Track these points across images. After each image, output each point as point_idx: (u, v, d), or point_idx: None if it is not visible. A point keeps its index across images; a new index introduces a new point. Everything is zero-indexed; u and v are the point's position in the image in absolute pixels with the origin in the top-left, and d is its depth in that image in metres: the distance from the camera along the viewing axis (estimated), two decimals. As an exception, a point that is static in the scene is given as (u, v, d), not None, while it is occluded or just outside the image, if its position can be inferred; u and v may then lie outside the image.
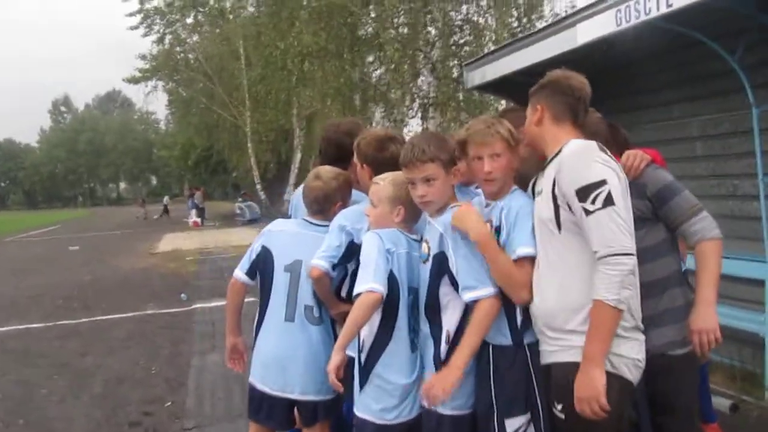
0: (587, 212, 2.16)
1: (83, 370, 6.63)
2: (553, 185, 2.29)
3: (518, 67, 5.81)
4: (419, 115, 14.20)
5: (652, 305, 2.22)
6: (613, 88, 6.04)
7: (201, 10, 30.08)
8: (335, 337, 3.03)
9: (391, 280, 2.54)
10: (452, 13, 11.63)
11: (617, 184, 2.20)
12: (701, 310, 2.49)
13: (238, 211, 33.05)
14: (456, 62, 11.68)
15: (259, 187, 30.88)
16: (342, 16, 11.57)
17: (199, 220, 31.30)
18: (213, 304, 10.10)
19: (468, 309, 2.47)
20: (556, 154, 2.38)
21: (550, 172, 2.37)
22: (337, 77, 11.79)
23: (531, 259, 2.40)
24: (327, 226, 3.01)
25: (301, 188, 3.50)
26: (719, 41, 4.47)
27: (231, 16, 29.37)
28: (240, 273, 3.15)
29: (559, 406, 2.24)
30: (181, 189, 53.60)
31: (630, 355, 2.21)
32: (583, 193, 2.17)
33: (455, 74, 12.06)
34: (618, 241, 2.12)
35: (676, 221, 2.59)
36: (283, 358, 2.97)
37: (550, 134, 2.44)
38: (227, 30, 28.79)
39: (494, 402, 2.44)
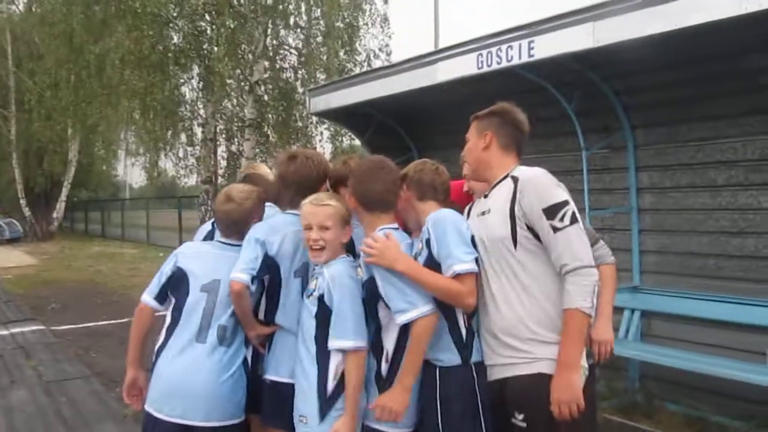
0: (555, 229, 2.36)
1: None
2: (512, 205, 2.46)
3: (368, 97, 6.06)
4: (224, 135, 13.94)
5: None
6: (455, 124, 6.55)
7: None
8: (245, 360, 2.92)
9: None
10: (271, 39, 11.69)
11: (573, 205, 2.43)
12: (603, 323, 2.80)
13: (-6, 229, 29.22)
14: (274, 86, 11.71)
15: (23, 202, 27.65)
16: (157, 24, 11.00)
17: (-60, 239, 27.12)
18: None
19: (405, 327, 2.52)
20: (504, 178, 2.58)
21: (500, 194, 2.55)
22: (161, 90, 11.15)
23: (470, 273, 2.51)
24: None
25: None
26: (560, 90, 5.10)
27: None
28: (148, 297, 2.91)
29: (520, 416, 2.38)
30: None
31: (583, 363, 2.42)
32: (551, 211, 2.38)
33: (267, 97, 12.09)
34: (586, 255, 2.36)
35: None
36: (188, 382, 2.75)
37: (496, 160, 2.64)
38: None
39: (440, 424, 2.48)
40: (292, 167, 2.92)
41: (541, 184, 2.46)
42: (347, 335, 2.51)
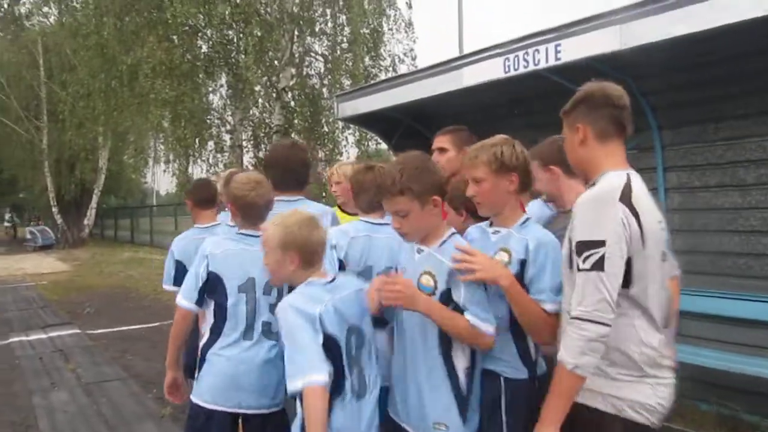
0: (578, 267, 2.13)
1: None
2: (571, 225, 2.25)
3: (395, 102, 6.15)
4: (251, 142, 14.14)
5: None
6: (483, 126, 6.63)
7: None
8: None
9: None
10: (297, 46, 11.86)
11: (617, 247, 2.09)
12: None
13: (28, 236, 29.94)
14: (300, 92, 11.88)
15: (55, 210, 28.26)
16: (187, 34, 11.31)
17: (-21, 245, 27.86)
18: (33, 337, 9.16)
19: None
20: (593, 184, 2.29)
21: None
22: (191, 98, 11.44)
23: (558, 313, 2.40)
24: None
25: None
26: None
27: (29, 24, 26.89)
28: (187, 302, 3.05)
29: None
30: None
31: (634, 397, 2.18)
32: (580, 248, 2.13)
33: (294, 103, 12.24)
34: (591, 307, 2.07)
35: None
36: (240, 375, 2.95)
37: (592, 155, 2.32)
38: (25, 38, 26.27)
39: None
40: (369, 176, 3.02)
41: (587, 214, 2.16)
42: (293, 376, 2.27)
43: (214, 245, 3.12)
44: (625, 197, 2.14)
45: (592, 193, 2.21)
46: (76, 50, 14.47)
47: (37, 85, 26.20)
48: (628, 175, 2.23)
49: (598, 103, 2.28)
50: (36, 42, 25.83)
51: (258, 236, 2.90)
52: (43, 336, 9.20)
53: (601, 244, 2.08)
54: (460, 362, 2.47)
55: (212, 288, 3.03)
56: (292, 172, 3.49)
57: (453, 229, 2.57)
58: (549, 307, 2.41)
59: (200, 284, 3.03)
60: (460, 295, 2.39)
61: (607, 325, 2.07)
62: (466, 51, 13.08)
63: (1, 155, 30.42)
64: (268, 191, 3.11)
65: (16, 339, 9.01)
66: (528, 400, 2.45)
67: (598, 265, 2.08)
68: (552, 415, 2.15)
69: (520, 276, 2.46)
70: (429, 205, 2.43)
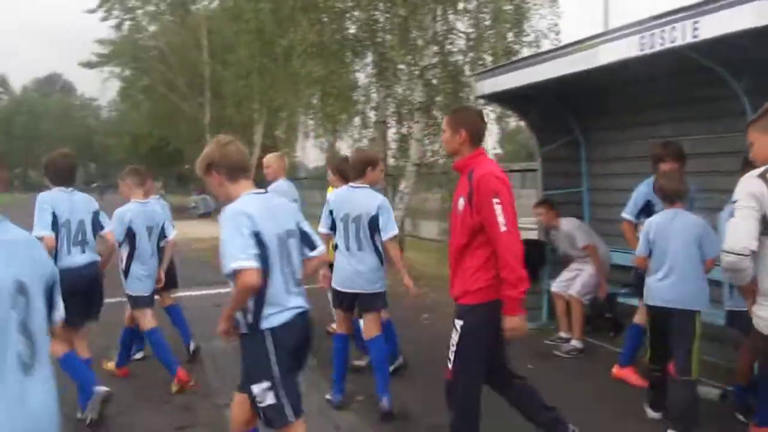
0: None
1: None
2: None
3: (533, 80, 6.32)
4: (395, 119, 14.64)
5: None
6: (618, 104, 6.68)
7: (163, -2, 29.73)
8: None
9: None
10: (441, 25, 12.10)
11: (744, 203, 3.09)
12: None
13: (192, 205, 32.88)
14: (443, 69, 12.15)
15: (213, 181, 30.64)
16: (330, 15, 12.04)
17: (152, 212, 30.94)
18: (196, 292, 10.36)
19: None
20: None
21: None
22: (340, 78, 12.21)
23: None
24: None
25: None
26: (726, 69, 5.06)
27: (194, 8, 29.26)
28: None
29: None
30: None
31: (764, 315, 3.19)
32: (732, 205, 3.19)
33: (435, 81, 12.54)
34: (727, 241, 3.12)
35: None
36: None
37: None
38: (191, 21, 28.63)
39: (246, 372, 3.27)
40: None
41: (737, 185, 3.20)
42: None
43: None
44: (763, 173, 3.10)
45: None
46: (237, 33, 15.70)
47: (201, 65, 28.45)
48: None
49: None
50: (200, 25, 27.99)
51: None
52: (207, 292, 10.31)
53: (735, 201, 3.14)
54: None
55: None
56: (72, 171, 5.25)
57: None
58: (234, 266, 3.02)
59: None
60: None
61: (736, 254, 3.05)
62: (611, 24, 12.67)
63: (168, 130, 33.41)
64: None
65: (182, 294, 10.14)
66: (252, 347, 3.20)
67: (733, 215, 3.14)
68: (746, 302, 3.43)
69: None
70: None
